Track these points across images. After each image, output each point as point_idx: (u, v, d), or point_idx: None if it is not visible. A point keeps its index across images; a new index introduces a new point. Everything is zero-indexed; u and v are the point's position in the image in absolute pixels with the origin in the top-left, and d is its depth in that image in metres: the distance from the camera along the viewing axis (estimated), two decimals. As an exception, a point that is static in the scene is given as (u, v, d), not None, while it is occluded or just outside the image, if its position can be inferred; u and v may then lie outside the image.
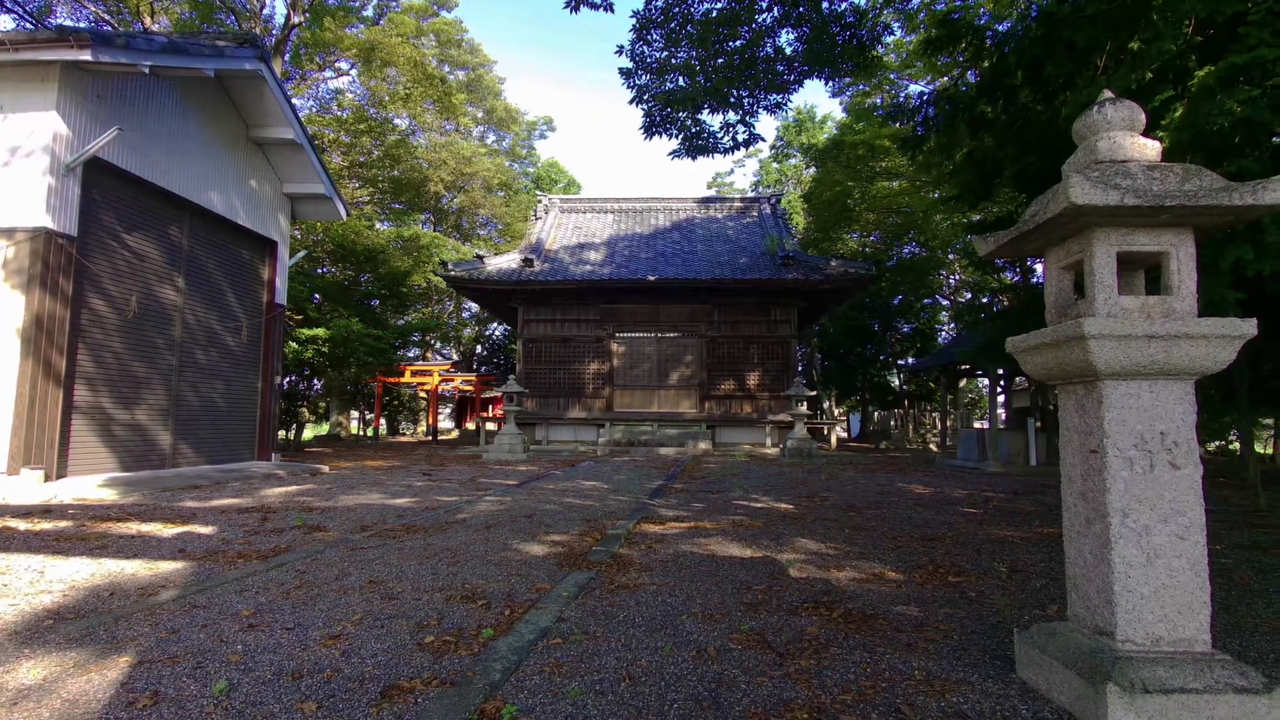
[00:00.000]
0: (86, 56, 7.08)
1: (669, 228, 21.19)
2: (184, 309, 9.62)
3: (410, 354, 28.74)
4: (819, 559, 4.44)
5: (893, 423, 26.25)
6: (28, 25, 19.85)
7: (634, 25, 7.89)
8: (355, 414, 27.33)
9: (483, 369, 31.18)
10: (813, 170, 30.95)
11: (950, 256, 24.18)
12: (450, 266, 18.20)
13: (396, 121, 26.31)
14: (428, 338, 29.73)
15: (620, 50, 8.12)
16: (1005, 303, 19.75)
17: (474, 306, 30.19)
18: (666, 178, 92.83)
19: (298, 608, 3.23)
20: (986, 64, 6.25)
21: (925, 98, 6.83)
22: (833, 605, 3.36)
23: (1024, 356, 2.53)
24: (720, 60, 7.90)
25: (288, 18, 20.58)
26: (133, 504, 6.66)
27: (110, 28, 19.68)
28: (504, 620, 3.08)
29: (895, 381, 26.83)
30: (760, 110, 8.40)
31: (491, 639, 2.81)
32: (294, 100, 17.40)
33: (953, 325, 26.98)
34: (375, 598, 3.41)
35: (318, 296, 20.46)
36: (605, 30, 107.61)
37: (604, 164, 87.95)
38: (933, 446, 21.87)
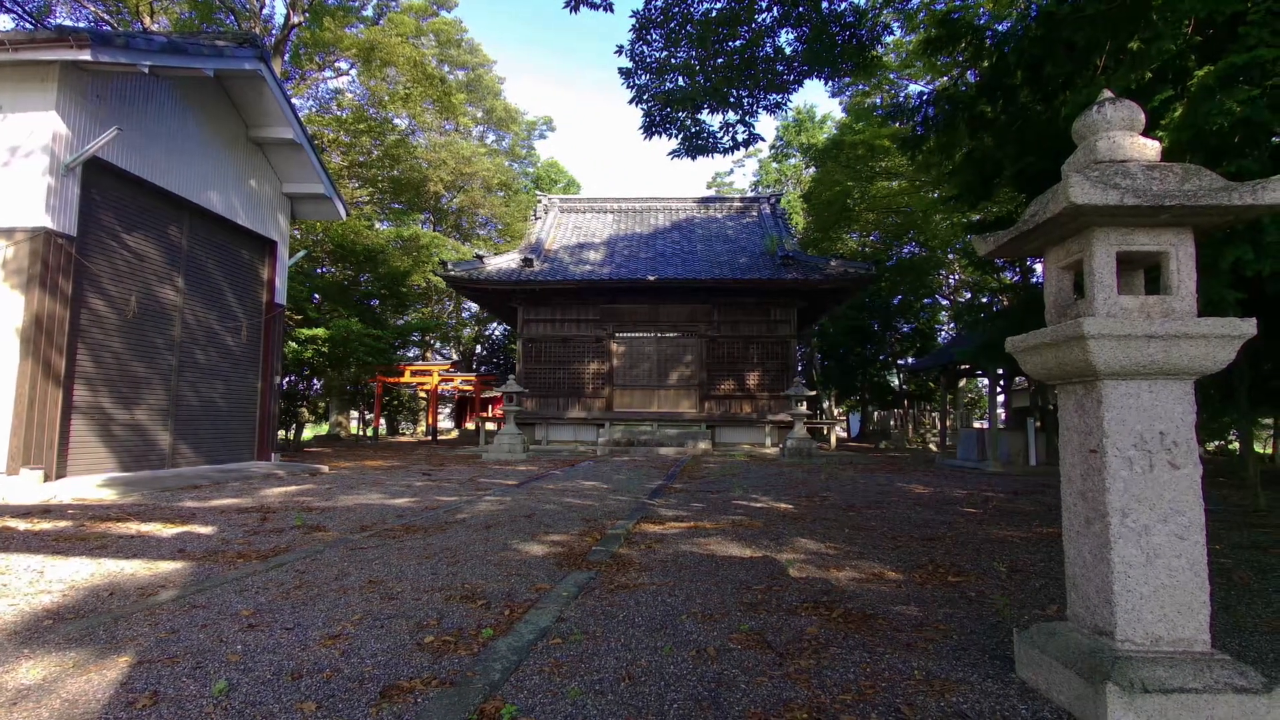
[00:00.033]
0: (86, 56, 7.07)
1: (669, 228, 21.19)
2: (183, 309, 9.62)
3: (410, 354, 28.74)
4: (818, 559, 4.45)
5: (892, 423, 26.25)
6: (27, 25, 19.85)
7: (634, 25, 7.89)
8: (355, 414, 27.32)
9: (482, 369, 31.17)
10: (812, 170, 30.96)
11: (950, 256, 24.19)
12: (450, 266, 18.19)
13: (396, 121, 26.31)
14: (427, 338, 29.73)
15: (620, 50, 8.12)
16: (1005, 302, 19.75)
17: (474, 306, 30.20)
18: (666, 178, 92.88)
19: (297, 608, 3.23)
20: (986, 64, 6.25)
21: (925, 98, 6.84)
22: (832, 605, 3.36)
23: (1023, 356, 2.53)
24: (720, 60, 7.91)
25: (287, 17, 20.58)
26: (132, 504, 6.65)
27: (110, 28, 19.68)
28: (503, 620, 3.08)
29: (895, 381, 26.83)
30: (760, 110, 8.40)
31: (491, 639, 2.81)
32: (293, 100, 17.39)
33: (952, 325, 26.99)
34: (375, 598, 3.41)
35: (317, 296, 20.45)
36: (605, 30, 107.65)
37: (604, 164, 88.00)
38: (932, 446, 21.87)
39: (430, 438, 24.84)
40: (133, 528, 5.32)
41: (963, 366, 16.01)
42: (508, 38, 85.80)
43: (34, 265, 7.20)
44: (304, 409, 21.21)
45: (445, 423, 33.04)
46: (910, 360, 24.32)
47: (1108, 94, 2.38)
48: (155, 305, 9.10)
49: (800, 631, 2.97)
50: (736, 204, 22.78)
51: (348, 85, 27.09)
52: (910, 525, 5.83)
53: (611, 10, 7.44)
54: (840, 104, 27.75)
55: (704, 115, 8.39)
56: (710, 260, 18.27)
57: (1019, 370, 7.77)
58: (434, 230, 29.92)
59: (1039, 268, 13.92)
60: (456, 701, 2.21)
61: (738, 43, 7.83)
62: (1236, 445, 16.52)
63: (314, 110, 25.26)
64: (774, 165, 37.89)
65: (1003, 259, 5.34)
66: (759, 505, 6.97)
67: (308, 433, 24.66)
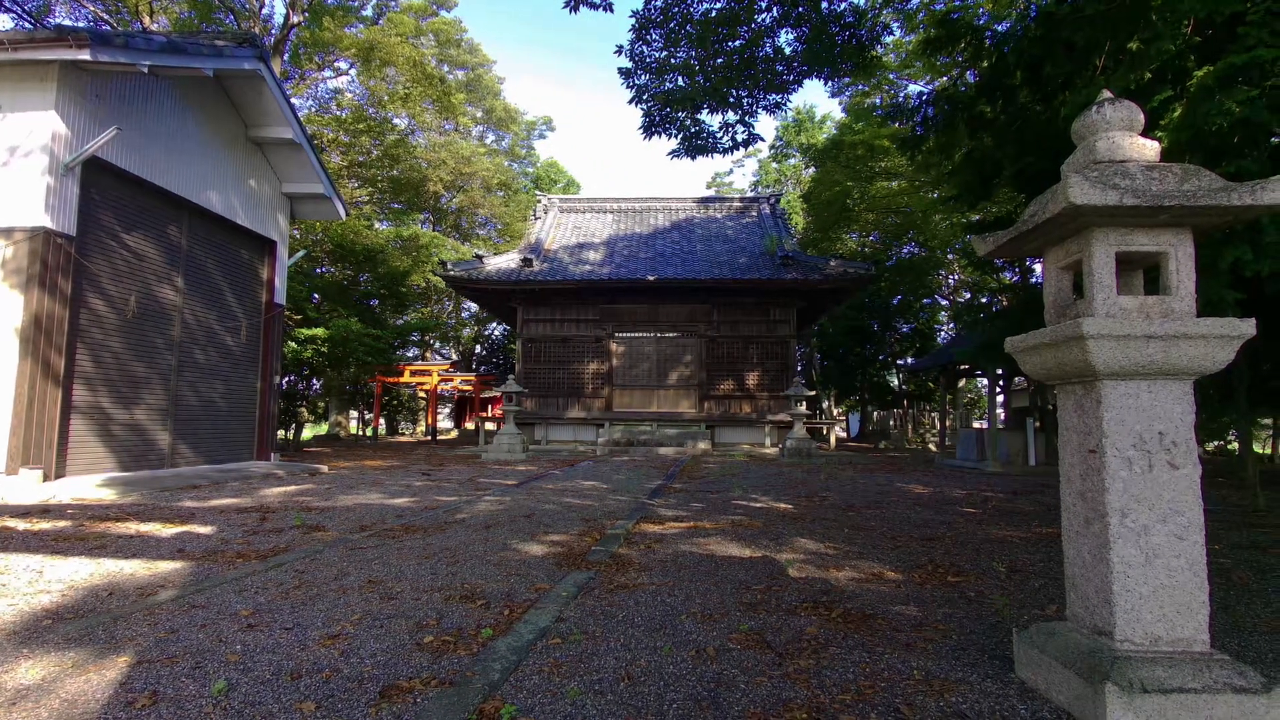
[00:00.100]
0: (85, 56, 7.07)
1: (668, 228, 21.19)
2: (183, 309, 9.62)
3: (409, 354, 28.73)
4: (818, 559, 4.45)
5: (892, 423, 26.27)
6: (26, 25, 19.84)
7: (633, 25, 7.90)
8: (354, 414, 27.31)
9: (482, 369, 31.17)
10: (812, 170, 30.96)
11: (949, 256, 24.20)
12: (449, 266, 18.19)
13: (396, 121, 26.29)
14: (427, 337, 29.73)
15: (620, 50, 8.12)
16: (1004, 303, 19.77)
17: (473, 306, 30.19)
18: (666, 178, 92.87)
19: (297, 608, 3.23)
20: (985, 64, 6.26)
21: (924, 98, 6.84)
22: (832, 605, 3.36)
23: (1023, 356, 2.53)
24: (719, 60, 7.91)
25: (287, 17, 20.57)
26: (131, 504, 6.65)
27: (109, 27, 19.68)
28: (503, 620, 3.08)
29: (894, 381, 26.84)
30: (759, 110, 8.40)
31: (491, 639, 2.81)
32: (293, 100, 17.38)
33: (952, 325, 27.01)
34: (374, 597, 3.41)
35: (317, 296, 20.44)
36: (605, 30, 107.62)
37: (603, 164, 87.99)
38: (932, 446, 21.88)
39: (430, 438, 24.83)
40: (132, 527, 5.32)
41: (962, 366, 16.02)
42: (507, 37, 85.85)
43: (33, 265, 7.19)
44: (303, 409, 21.20)
45: (445, 423, 33.04)
46: (910, 360, 24.33)
47: (1107, 94, 2.38)
48: (155, 305, 9.10)
49: (800, 631, 2.97)
50: (736, 204, 22.79)
51: (347, 85, 27.11)
52: (910, 525, 5.83)
53: (611, 10, 7.44)
54: (840, 104, 27.78)
55: (703, 115, 8.40)
56: (710, 260, 18.27)
57: (1018, 370, 7.77)
58: (433, 230, 29.92)
59: (1038, 268, 13.94)
60: (456, 701, 2.21)
61: (737, 43, 7.83)
62: (1235, 445, 16.53)
63: (313, 110, 25.26)
64: (774, 165, 37.90)
65: (1002, 259, 5.35)
66: (758, 505, 6.97)
67: (307, 433, 24.65)
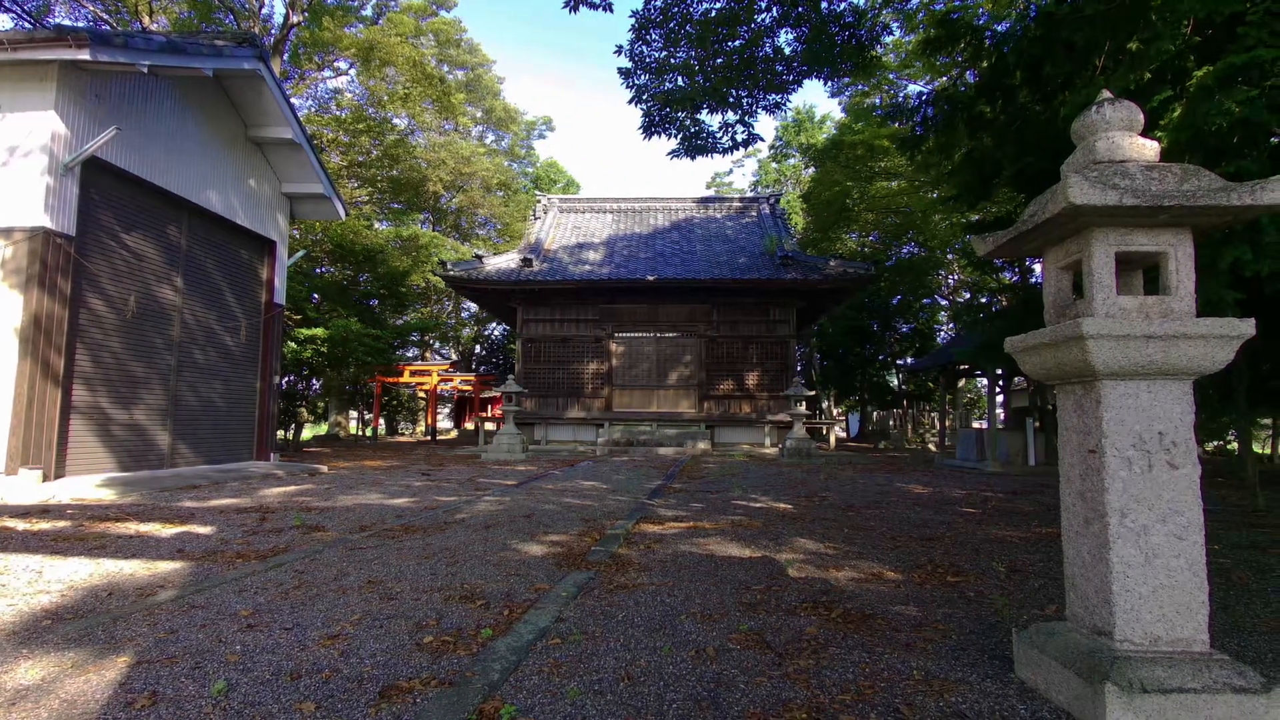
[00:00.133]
0: (85, 56, 7.07)
1: (668, 228, 21.19)
2: (182, 309, 9.61)
3: (409, 354, 28.72)
4: (818, 559, 4.45)
5: (891, 423, 26.27)
6: (26, 24, 19.83)
7: (633, 25, 7.89)
8: (354, 414, 27.30)
9: (481, 369, 31.17)
10: (812, 170, 30.97)
11: (949, 256, 24.21)
12: (449, 266, 18.19)
13: (395, 121, 26.29)
14: (426, 337, 29.72)
15: (619, 50, 8.11)
16: (1004, 303, 19.77)
17: (473, 306, 30.18)
18: (665, 178, 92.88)
19: (296, 608, 3.22)
20: (985, 64, 6.26)
21: (924, 98, 6.84)
22: (831, 605, 3.36)
23: (1022, 356, 2.53)
24: (719, 60, 7.91)
25: (286, 17, 20.56)
26: (131, 504, 6.65)
27: (109, 27, 19.67)
28: (503, 620, 3.07)
29: (894, 381, 26.85)
30: (759, 110, 8.40)
31: (490, 639, 2.81)
32: (293, 100, 17.37)
33: (951, 325, 27.01)
34: (374, 598, 3.41)
35: (316, 296, 20.43)
36: (605, 30, 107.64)
37: (603, 164, 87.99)
38: (931, 446, 21.88)
39: (429, 438, 24.83)
40: (131, 528, 5.32)
41: (962, 367, 16.02)
42: (507, 37, 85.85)
43: (33, 265, 7.19)
44: (303, 409, 21.20)
45: (444, 423, 33.03)
46: (909, 360, 24.34)
47: (1107, 94, 2.38)
48: (154, 305, 9.09)
49: (799, 631, 2.97)
50: (736, 204, 22.79)
51: (347, 85, 27.10)
52: (909, 525, 5.83)
53: (611, 10, 7.44)
54: (840, 104, 27.78)
55: (703, 115, 8.40)
56: (709, 260, 18.27)
57: (1018, 370, 7.78)
58: (433, 230, 29.91)
59: (1038, 268, 13.94)
60: (455, 702, 2.21)
61: (737, 43, 7.83)
62: (1235, 445, 16.53)
63: (313, 110, 25.25)
64: (773, 165, 37.90)
65: (1002, 259, 5.35)
66: (758, 505, 6.97)
67: (307, 433, 24.64)
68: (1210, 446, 18.30)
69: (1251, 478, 7.37)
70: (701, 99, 7.92)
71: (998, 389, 14.78)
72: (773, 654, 2.70)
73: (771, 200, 22.21)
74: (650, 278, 16.98)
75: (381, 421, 27.03)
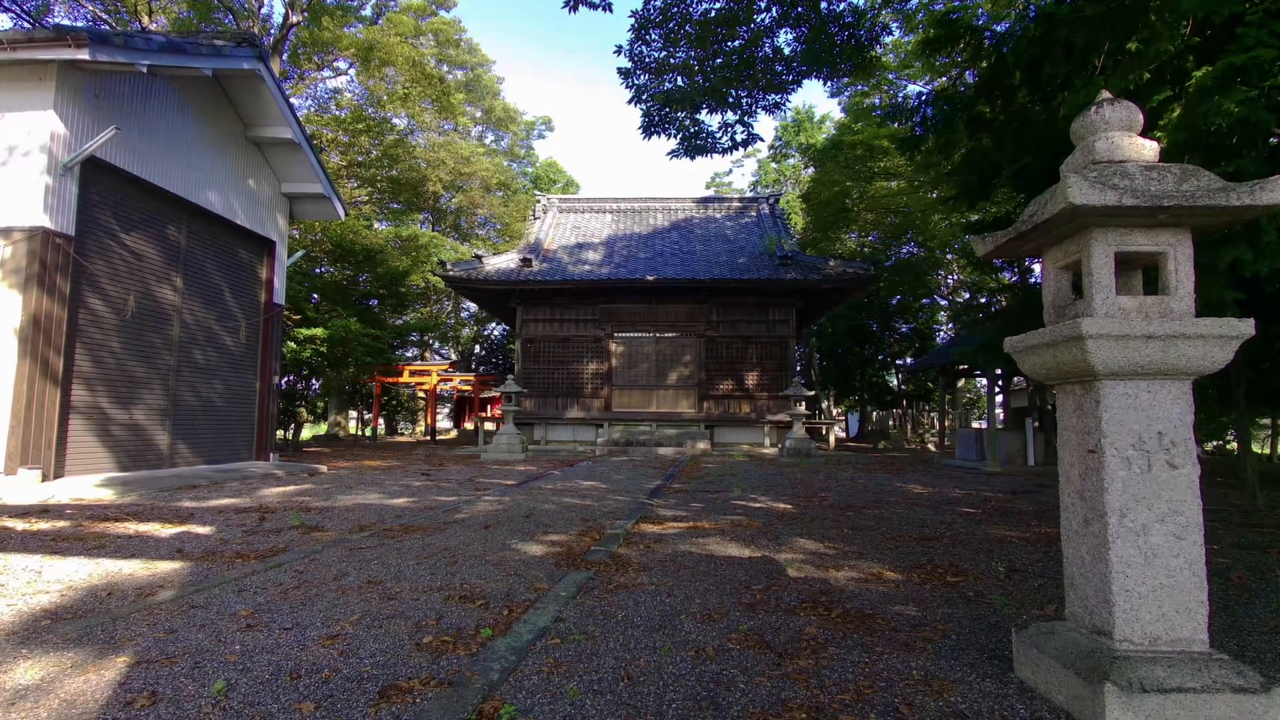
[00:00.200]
0: (84, 56, 7.06)
1: (667, 228, 21.20)
2: (182, 309, 9.61)
3: (409, 354, 28.71)
4: (817, 559, 4.45)
5: (891, 423, 26.27)
6: (25, 24, 19.82)
7: (633, 25, 7.90)
8: (353, 414, 27.29)
9: (481, 369, 31.16)
10: (811, 170, 30.97)
11: (948, 256, 24.21)
12: (449, 266, 18.19)
13: (395, 121, 26.27)
14: (426, 337, 29.70)
15: (619, 50, 8.12)
16: (1003, 303, 19.79)
17: (472, 306, 30.18)
18: (665, 178, 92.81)
19: (296, 608, 3.22)
20: (985, 64, 6.26)
21: (923, 98, 6.85)
22: (831, 605, 3.36)
23: (1022, 357, 2.53)
24: (719, 60, 7.91)
25: (286, 17, 20.56)
26: (130, 504, 6.64)
27: (108, 27, 19.66)
28: (502, 620, 3.07)
29: (893, 381, 26.86)
30: (759, 110, 8.41)
31: (490, 639, 2.81)
32: (292, 100, 17.38)
33: (951, 325, 27.02)
34: (373, 598, 3.41)
35: (316, 296, 20.41)
36: (604, 30, 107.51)
37: (603, 164, 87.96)
38: (931, 446, 21.89)
39: (429, 438, 24.82)
40: (131, 528, 5.31)
41: (961, 367, 16.02)
42: (506, 37, 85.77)
43: (32, 265, 7.18)
44: (302, 409, 21.18)
45: (444, 423, 33.00)
46: (909, 360, 24.35)
47: (1106, 95, 2.38)
48: (153, 305, 9.09)
49: (799, 631, 2.97)
50: (735, 204, 22.79)
51: (346, 85, 27.08)
52: (909, 525, 5.84)
53: (610, 10, 7.44)
54: (839, 104, 27.77)
55: (703, 115, 8.41)
56: (709, 260, 18.27)
57: (1017, 370, 7.78)
58: (433, 230, 29.89)
59: (1037, 268, 13.95)
60: (455, 702, 2.21)
61: (737, 43, 7.84)
62: (1234, 445, 16.54)
63: (312, 110, 25.23)
64: (773, 165, 37.90)
65: (1001, 259, 5.35)
66: (758, 505, 6.97)
67: (306, 433, 24.63)
68: (1210, 446, 18.30)
69: (1251, 478, 7.38)
70: (701, 99, 7.93)
71: (997, 389, 14.79)
72: (772, 654, 2.70)
73: (771, 200, 22.21)
74: (650, 278, 16.99)
75: (381, 421, 27.02)
